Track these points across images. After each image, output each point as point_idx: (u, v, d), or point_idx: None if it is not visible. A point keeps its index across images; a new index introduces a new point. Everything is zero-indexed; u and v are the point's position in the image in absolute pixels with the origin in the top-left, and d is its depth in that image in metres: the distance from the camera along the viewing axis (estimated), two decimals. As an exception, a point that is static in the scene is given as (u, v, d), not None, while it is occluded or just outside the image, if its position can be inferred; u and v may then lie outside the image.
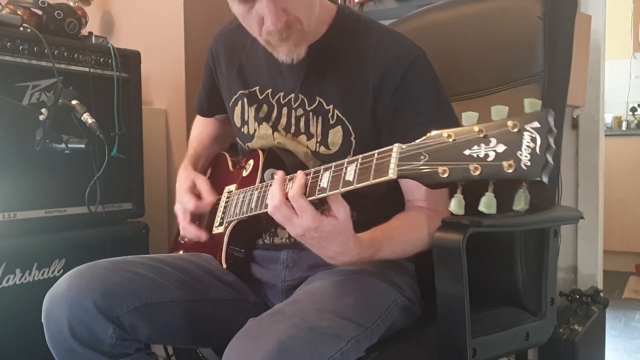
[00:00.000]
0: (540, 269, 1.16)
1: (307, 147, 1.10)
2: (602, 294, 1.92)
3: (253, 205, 1.05)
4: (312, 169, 0.89)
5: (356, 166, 0.81)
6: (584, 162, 2.05)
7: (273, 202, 0.87)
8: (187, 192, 1.20)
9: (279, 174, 0.90)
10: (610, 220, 3.00)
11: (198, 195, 1.21)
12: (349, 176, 0.81)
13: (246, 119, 1.18)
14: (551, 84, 1.16)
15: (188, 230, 1.19)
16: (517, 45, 1.20)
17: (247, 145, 1.19)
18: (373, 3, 2.03)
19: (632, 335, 2.72)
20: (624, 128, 4.25)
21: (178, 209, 1.21)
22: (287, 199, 0.87)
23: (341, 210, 0.85)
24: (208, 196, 1.19)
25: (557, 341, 1.57)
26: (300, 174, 0.88)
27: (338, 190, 0.82)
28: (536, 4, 1.18)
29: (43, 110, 1.33)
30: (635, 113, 4.30)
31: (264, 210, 1.02)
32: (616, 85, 4.32)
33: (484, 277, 1.10)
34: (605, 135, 2.21)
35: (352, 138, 1.06)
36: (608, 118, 4.21)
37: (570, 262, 2.07)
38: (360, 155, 0.81)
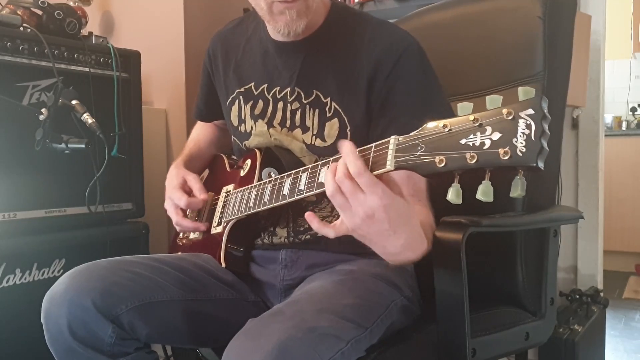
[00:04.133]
0: (540, 269, 1.16)
1: (303, 141, 1.10)
2: (602, 294, 1.92)
3: (251, 203, 1.05)
4: (310, 165, 0.88)
5: None
6: (584, 162, 2.05)
7: (338, 175, 0.75)
8: (177, 188, 1.20)
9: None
10: (610, 220, 2.99)
11: (189, 193, 1.20)
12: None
13: (243, 118, 1.19)
14: (551, 84, 1.16)
15: (182, 224, 1.18)
16: (517, 45, 1.20)
17: (244, 144, 1.19)
18: (373, 3, 2.03)
19: (632, 335, 2.72)
20: (624, 128, 4.25)
21: (169, 205, 1.20)
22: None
23: (404, 191, 0.77)
24: (199, 194, 1.18)
25: (557, 341, 1.57)
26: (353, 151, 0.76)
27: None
28: (536, 4, 1.18)
29: (43, 110, 1.33)
30: (635, 113, 4.30)
31: (263, 208, 1.02)
32: (616, 85, 4.32)
33: (484, 277, 1.10)
34: (605, 135, 2.21)
35: (347, 130, 1.06)
36: (608, 118, 4.21)
37: (570, 262, 2.07)
38: (358, 149, 0.80)
